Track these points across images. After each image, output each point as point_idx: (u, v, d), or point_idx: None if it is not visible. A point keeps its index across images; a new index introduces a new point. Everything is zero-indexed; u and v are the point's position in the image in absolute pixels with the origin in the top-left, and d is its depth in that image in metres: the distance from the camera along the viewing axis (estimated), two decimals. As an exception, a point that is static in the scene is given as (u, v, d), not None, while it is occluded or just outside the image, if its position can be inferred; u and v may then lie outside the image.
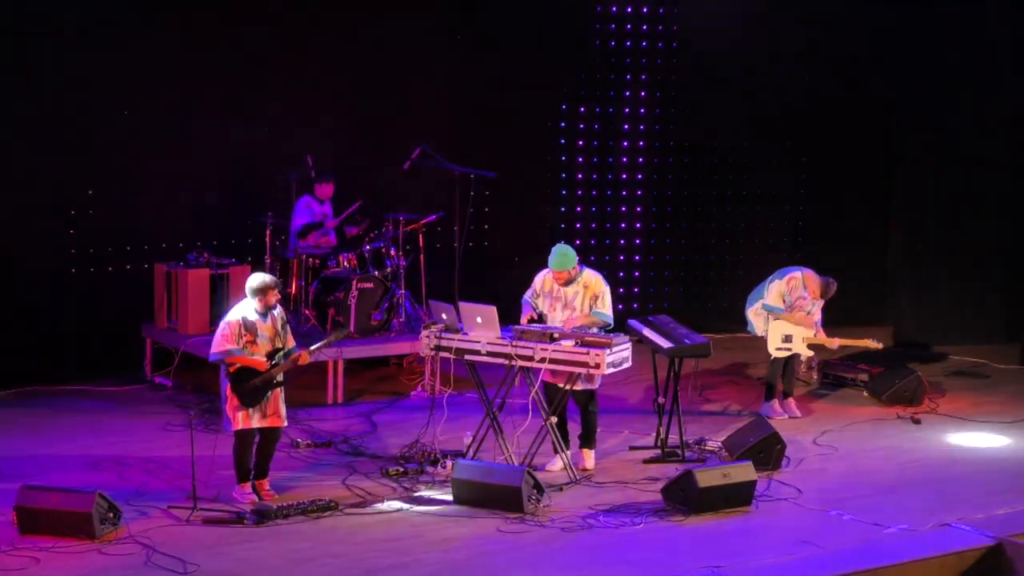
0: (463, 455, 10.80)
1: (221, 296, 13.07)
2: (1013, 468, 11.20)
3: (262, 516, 9.56)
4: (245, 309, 10.06)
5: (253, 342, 9.99)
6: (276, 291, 10.11)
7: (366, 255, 13.64)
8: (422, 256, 14.04)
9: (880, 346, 12.82)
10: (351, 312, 13.23)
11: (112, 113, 13.60)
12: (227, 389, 9.99)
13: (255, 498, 10.06)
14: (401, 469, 10.70)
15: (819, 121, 16.23)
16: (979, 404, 13.21)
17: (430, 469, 10.70)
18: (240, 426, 10.00)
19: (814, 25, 16.02)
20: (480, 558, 9.06)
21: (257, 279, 10.13)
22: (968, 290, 15.70)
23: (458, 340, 10.79)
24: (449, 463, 10.56)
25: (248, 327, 9.99)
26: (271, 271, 13.49)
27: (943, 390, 13.65)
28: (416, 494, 10.23)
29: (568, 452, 10.80)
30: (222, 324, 10.05)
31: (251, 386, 9.93)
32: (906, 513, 9.96)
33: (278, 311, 10.21)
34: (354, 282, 13.27)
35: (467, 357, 10.79)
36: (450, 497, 10.06)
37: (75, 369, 13.39)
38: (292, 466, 10.95)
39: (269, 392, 10.01)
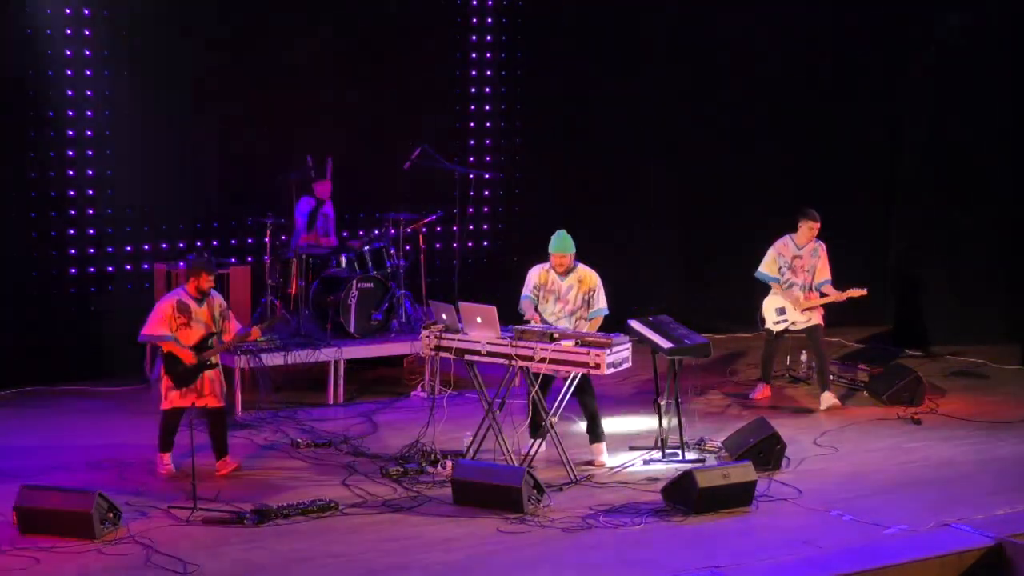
0: (463, 455, 10.80)
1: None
2: (1013, 468, 11.19)
3: (262, 516, 9.56)
4: (180, 292, 10.45)
5: (187, 324, 10.36)
6: (208, 275, 10.40)
7: (366, 255, 13.65)
8: (422, 256, 14.03)
9: (864, 292, 12.77)
10: (351, 312, 13.24)
11: (112, 113, 13.60)
12: (160, 369, 10.42)
13: (172, 469, 10.44)
14: (401, 469, 10.70)
15: (820, 121, 16.23)
16: (979, 404, 13.21)
17: (430, 469, 10.70)
18: (169, 405, 10.41)
19: (814, 23, 16.04)
20: (480, 558, 9.06)
21: (192, 261, 10.58)
22: (968, 290, 15.70)
23: (458, 340, 10.79)
24: (449, 463, 10.56)
25: (182, 309, 10.36)
26: (271, 271, 13.52)
27: (943, 390, 13.65)
28: (416, 494, 10.22)
29: (540, 441, 10.78)
30: (156, 305, 10.47)
31: (183, 368, 10.33)
32: (906, 513, 9.96)
33: (218, 300, 10.55)
34: (354, 282, 13.28)
35: (467, 357, 10.79)
36: (450, 497, 10.06)
37: (75, 369, 13.40)
38: (292, 466, 10.95)
39: (200, 373, 10.38)
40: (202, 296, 10.40)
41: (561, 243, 11.06)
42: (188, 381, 10.37)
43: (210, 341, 10.42)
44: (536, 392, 10.64)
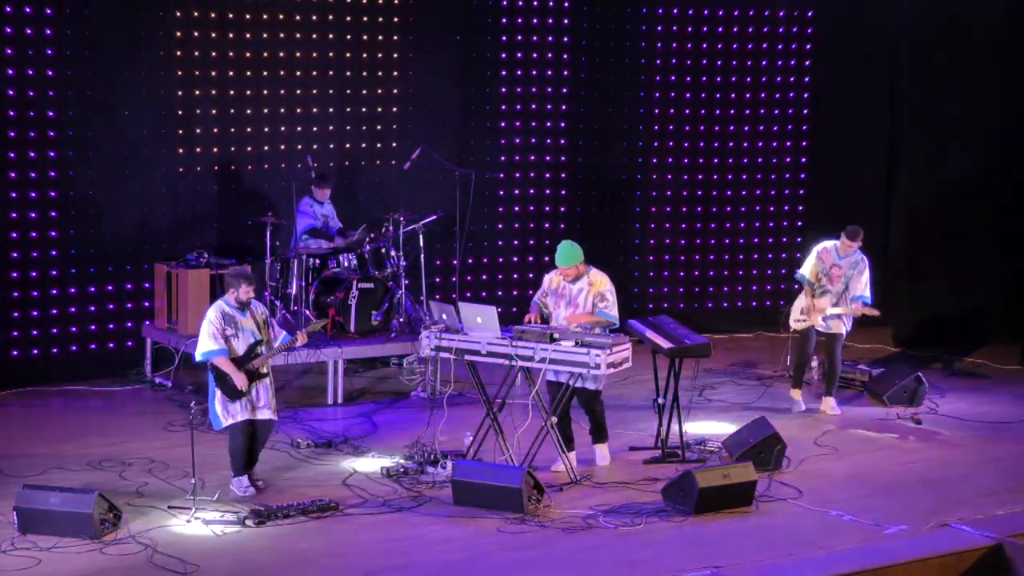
0: (463, 455, 10.80)
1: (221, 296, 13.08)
2: (1013, 468, 11.20)
3: (262, 516, 9.56)
4: (223, 304, 10.28)
5: (235, 335, 10.18)
6: (248, 285, 10.25)
7: (366, 255, 13.65)
8: (422, 256, 14.03)
9: (877, 313, 12.72)
10: (351, 312, 13.24)
11: (112, 113, 13.61)
12: (213, 387, 10.20)
13: (254, 490, 10.14)
14: (401, 469, 10.70)
15: (820, 121, 16.22)
16: (979, 404, 13.21)
17: (430, 469, 10.70)
18: (231, 421, 10.15)
19: (815, 24, 16.04)
20: (480, 558, 9.06)
21: (231, 272, 10.51)
22: (968, 290, 15.69)
23: (458, 340, 10.79)
24: (449, 463, 10.56)
25: (228, 320, 10.19)
26: (271, 271, 13.52)
27: (943, 390, 13.65)
28: (416, 494, 10.22)
29: (571, 454, 10.81)
30: (204, 322, 10.24)
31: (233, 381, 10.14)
32: (906, 513, 9.96)
33: (259, 309, 10.40)
34: (354, 282, 13.28)
35: (467, 357, 10.79)
36: (450, 497, 10.06)
37: (75, 369, 13.39)
38: (292, 466, 10.96)
39: (252, 383, 10.19)
40: (243, 306, 10.26)
41: (564, 256, 10.83)
42: (242, 393, 10.16)
43: (258, 349, 10.25)
44: (536, 391, 10.63)
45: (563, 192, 15.91)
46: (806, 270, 12.79)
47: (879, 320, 15.93)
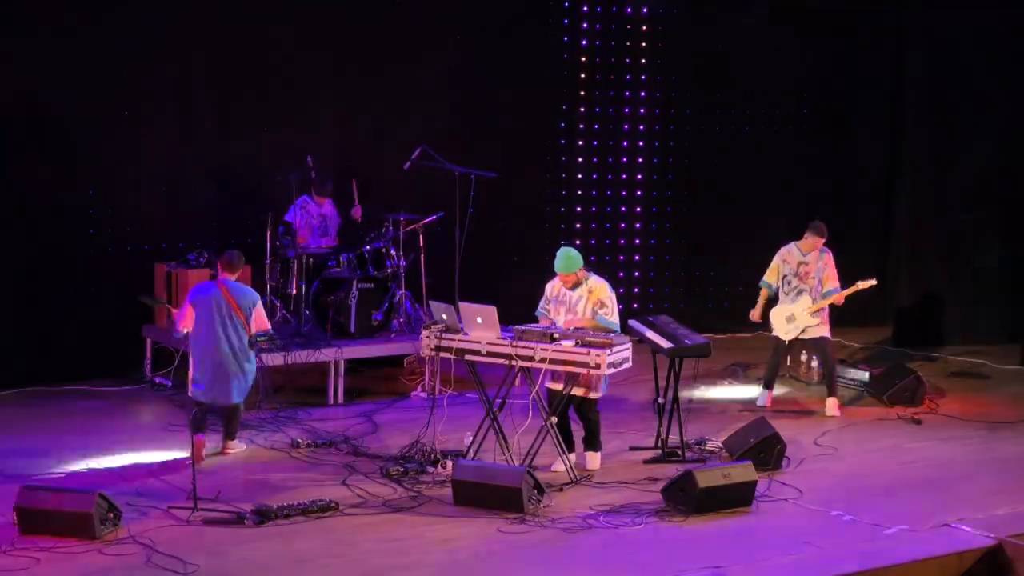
0: (463, 455, 10.80)
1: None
2: (1013, 468, 11.20)
3: (262, 516, 9.56)
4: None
5: None
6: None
7: (366, 255, 13.65)
8: (422, 256, 14.03)
9: (874, 281, 12.68)
10: (351, 312, 13.24)
11: (112, 113, 13.61)
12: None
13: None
14: (401, 469, 10.70)
15: (820, 122, 16.24)
16: (979, 404, 13.21)
17: (430, 469, 10.70)
18: None
19: (815, 26, 16.05)
20: (480, 558, 9.06)
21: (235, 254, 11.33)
22: (968, 290, 15.70)
23: (458, 340, 10.79)
24: (449, 463, 10.56)
25: None
26: (271, 271, 13.53)
27: (943, 390, 13.65)
28: (416, 494, 10.23)
29: (571, 454, 10.81)
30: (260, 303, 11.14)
31: None
32: (906, 513, 9.96)
33: None
34: (354, 282, 13.28)
35: (467, 357, 10.79)
36: (450, 497, 10.06)
37: (75, 369, 13.39)
38: (292, 466, 10.96)
39: None
40: None
41: (564, 263, 10.83)
42: None
43: None
44: (536, 391, 10.63)
45: (563, 192, 15.90)
46: (767, 275, 12.81)
47: (879, 320, 16.02)
